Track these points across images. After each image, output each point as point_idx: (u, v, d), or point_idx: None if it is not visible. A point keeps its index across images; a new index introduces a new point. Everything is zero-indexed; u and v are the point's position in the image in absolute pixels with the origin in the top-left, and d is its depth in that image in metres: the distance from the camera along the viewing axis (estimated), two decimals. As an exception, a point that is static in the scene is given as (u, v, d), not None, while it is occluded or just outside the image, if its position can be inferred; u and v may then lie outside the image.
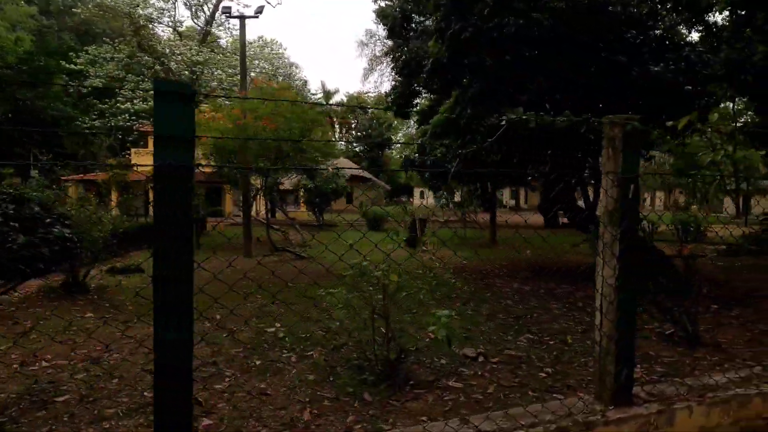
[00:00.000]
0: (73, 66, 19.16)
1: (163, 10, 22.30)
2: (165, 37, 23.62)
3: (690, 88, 7.07)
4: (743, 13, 7.99)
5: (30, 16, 25.85)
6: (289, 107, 9.07)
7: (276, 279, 7.78)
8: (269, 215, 15.84)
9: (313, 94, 48.46)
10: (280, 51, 48.31)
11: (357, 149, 52.07)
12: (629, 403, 2.36)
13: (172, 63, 19.21)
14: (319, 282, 5.19)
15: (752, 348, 4.97)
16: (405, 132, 52.33)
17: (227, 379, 4.13)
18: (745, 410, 2.49)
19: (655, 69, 7.28)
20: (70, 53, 19.76)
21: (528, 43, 7.67)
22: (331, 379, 4.08)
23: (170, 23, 22.64)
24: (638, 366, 4.42)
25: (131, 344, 5.09)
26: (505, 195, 47.03)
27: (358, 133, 53.17)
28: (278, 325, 5.79)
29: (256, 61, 41.09)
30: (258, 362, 4.54)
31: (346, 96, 52.85)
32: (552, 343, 5.23)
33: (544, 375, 4.16)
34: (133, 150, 27.05)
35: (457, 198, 19.27)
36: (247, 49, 30.35)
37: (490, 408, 3.46)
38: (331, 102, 41.05)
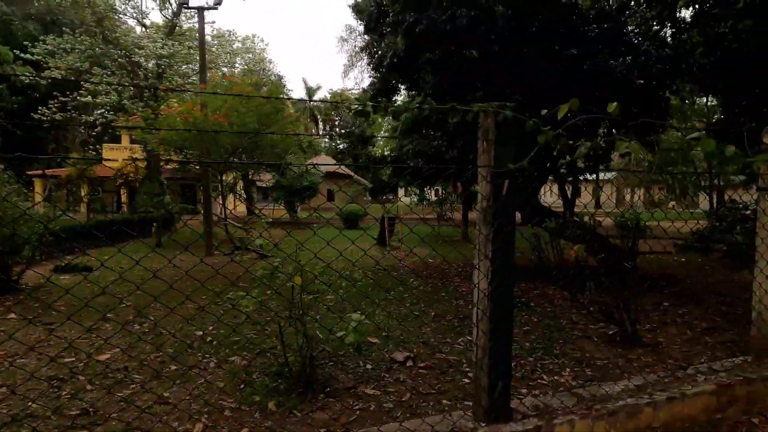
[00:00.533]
0: (29, 56, 18.43)
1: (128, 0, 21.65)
2: (139, 31, 23.02)
3: (642, 81, 6.93)
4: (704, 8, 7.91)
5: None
6: (245, 102, 8.79)
7: (220, 279, 7.51)
8: (229, 212, 15.55)
9: (290, 90, 47.88)
10: (257, 46, 47.71)
11: (341, 146, 51.66)
12: (507, 418, 2.18)
13: (138, 57, 18.56)
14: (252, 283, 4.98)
15: (690, 348, 4.86)
16: (387, 129, 52.00)
17: (132, 386, 3.89)
18: (634, 421, 2.33)
19: (612, 62, 7.15)
20: (26, 42, 19.00)
21: (481, 36, 7.49)
22: (242, 386, 3.87)
23: (135, 14, 22.04)
24: (568, 369, 4.29)
25: (50, 348, 4.84)
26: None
27: (342, 130, 52.72)
28: (211, 327, 5.55)
29: (238, 57, 40.43)
30: (173, 367, 4.31)
31: (329, 93, 52.36)
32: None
33: (467, 381, 3.99)
34: (105, 145, 26.43)
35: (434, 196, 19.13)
36: (227, 43, 29.66)
37: (397, 418, 3.28)
38: (306, 99, 40.53)
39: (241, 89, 10.01)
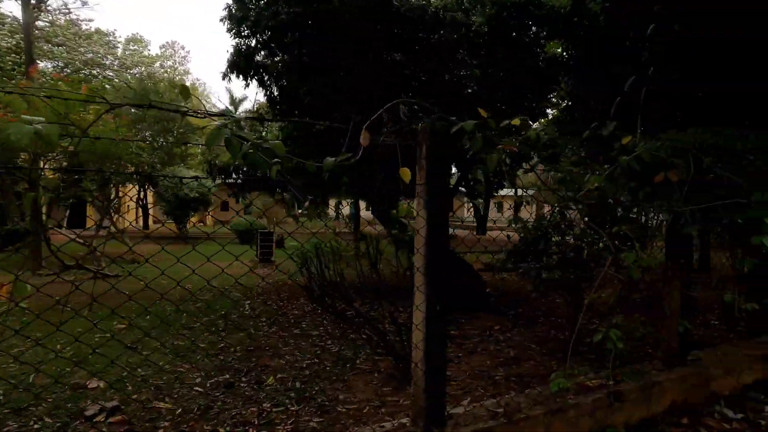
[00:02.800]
0: None
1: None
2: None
3: (470, 91, 6.51)
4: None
5: None
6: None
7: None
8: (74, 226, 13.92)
9: (213, 102, 45.93)
10: (177, 54, 45.81)
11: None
12: None
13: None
14: None
15: (474, 383, 4.25)
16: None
17: None
18: None
19: (447, 74, 6.69)
20: None
21: (309, 36, 6.83)
22: None
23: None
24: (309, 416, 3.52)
25: None
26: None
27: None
28: None
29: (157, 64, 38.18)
30: None
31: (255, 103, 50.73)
32: (244, 385, 4.24)
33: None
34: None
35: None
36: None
37: None
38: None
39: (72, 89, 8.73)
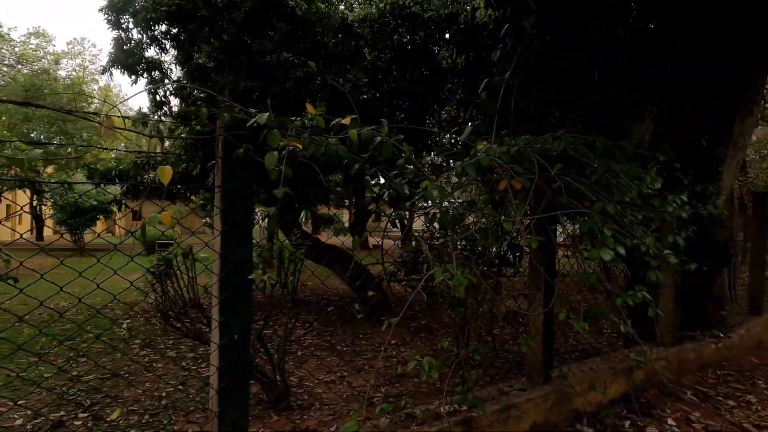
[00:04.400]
0: None
1: None
2: None
3: (364, 98, 6.26)
4: None
5: None
6: None
7: None
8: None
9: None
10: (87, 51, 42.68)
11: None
12: None
13: None
14: None
15: (347, 407, 3.91)
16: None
17: None
18: None
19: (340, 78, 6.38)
20: None
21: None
22: None
23: None
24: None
25: None
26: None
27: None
28: None
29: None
30: None
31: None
32: (78, 423, 3.61)
33: None
34: None
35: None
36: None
37: None
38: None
39: None
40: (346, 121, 2.09)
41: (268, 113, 1.73)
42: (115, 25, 7.16)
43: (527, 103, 3.72)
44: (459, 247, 2.75)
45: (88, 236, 17.83)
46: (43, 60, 28.59)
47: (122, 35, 7.33)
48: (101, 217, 16.74)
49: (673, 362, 4.30)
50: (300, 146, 1.66)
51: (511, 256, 4.04)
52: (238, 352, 1.84)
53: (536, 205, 2.59)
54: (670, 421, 3.51)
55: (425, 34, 5.90)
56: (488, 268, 3.46)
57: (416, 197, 1.98)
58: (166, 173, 1.52)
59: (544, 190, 2.46)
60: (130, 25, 7.24)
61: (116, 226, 21.58)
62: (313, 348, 5.81)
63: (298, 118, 2.01)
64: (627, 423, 3.33)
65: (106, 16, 7.13)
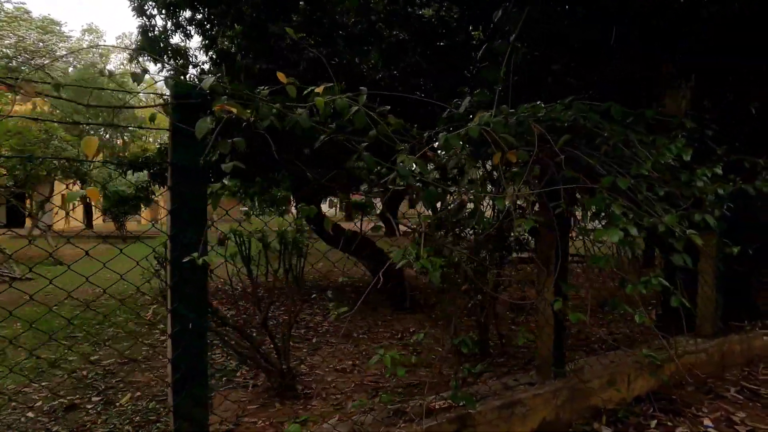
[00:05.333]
0: None
1: None
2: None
3: (380, 76, 5.99)
4: None
5: None
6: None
7: None
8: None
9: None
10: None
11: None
12: None
13: None
14: None
15: (354, 396, 3.78)
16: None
17: None
18: None
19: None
20: None
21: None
22: None
23: None
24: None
25: None
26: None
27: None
28: None
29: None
30: None
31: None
32: (90, 407, 3.66)
33: None
34: None
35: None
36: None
37: None
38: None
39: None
40: (320, 89, 1.89)
41: (214, 77, 1.56)
42: (140, 12, 7.22)
43: (544, 74, 3.38)
44: (457, 230, 2.51)
45: (132, 225, 18.60)
46: (94, 55, 29.93)
47: (147, 22, 7.39)
48: (142, 205, 17.39)
49: (714, 356, 3.90)
50: (234, 111, 1.47)
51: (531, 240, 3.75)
52: (192, 341, 1.71)
53: (540, 182, 2.31)
54: (706, 422, 3.15)
55: (438, 6, 5.56)
56: (498, 252, 3.20)
57: (391, 175, 1.77)
58: (91, 144, 1.38)
59: (547, 164, 2.18)
60: (154, 12, 7.29)
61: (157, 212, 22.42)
62: (329, 335, 5.72)
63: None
64: (654, 423, 3.01)
65: (131, 3, 7.21)
